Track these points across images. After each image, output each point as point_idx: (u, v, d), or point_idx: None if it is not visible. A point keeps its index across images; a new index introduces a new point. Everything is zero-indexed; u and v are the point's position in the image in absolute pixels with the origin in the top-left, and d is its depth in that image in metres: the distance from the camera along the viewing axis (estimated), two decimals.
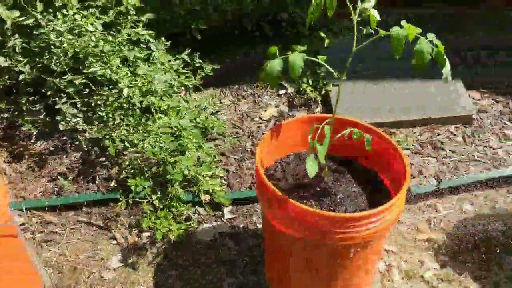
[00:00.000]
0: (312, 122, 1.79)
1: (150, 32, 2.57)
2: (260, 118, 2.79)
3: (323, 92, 2.86)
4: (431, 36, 1.31)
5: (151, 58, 2.60)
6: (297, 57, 1.45)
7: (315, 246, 1.58)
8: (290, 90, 2.92)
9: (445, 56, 1.31)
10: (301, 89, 2.86)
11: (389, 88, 2.86)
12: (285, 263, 1.76)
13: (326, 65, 1.59)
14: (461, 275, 2.03)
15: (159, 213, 2.21)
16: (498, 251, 2.11)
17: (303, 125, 1.84)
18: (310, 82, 2.84)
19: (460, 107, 2.70)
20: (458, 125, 2.68)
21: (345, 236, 1.49)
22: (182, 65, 2.67)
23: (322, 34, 2.67)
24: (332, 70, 1.62)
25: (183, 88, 2.70)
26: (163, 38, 2.64)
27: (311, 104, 2.86)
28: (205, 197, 2.22)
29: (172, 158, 2.21)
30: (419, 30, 1.33)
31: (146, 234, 2.22)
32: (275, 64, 1.48)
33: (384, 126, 2.68)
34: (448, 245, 2.15)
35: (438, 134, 2.63)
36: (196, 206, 2.29)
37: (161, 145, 2.22)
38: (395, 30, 1.32)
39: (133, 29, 2.49)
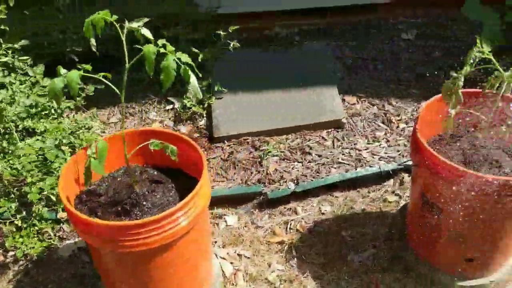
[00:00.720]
0: (134, 136, 1.89)
1: (25, 58, 2.68)
2: None
3: (206, 105, 2.96)
4: (181, 54, 1.39)
5: (28, 83, 2.70)
6: (73, 75, 1.52)
7: (117, 255, 1.66)
8: (177, 105, 3.01)
9: (190, 73, 1.40)
10: (185, 104, 2.96)
11: (268, 98, 2.96)
12: (108, 276, 1.83)
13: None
14: (303, 275, 2.11)
15: (22, 232, 2.29)
16: (345, 250, 2.20)
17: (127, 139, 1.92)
18: (191, 96, 2.94)
19: (331, 112, 2.80)
20: (330, 130, 2.78)
21: (136, 243, 1.57)
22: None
23: (195, 50, 2.78)
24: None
25: (68, 109, 2.81)
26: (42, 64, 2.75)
27: (196, 117, 2.96)
28: (61, 215, 2.30)
29: (31, 178, 2.29)
30: (171, 48, 1.42)
31: (11, 253, 2.30)
32: (57, 82, 1.54)
33: (261, 135, 2.77)
34: (299, 247, 2.23)
35: (309, 140, 2.73)
36: (61, 224, 2.37)
37: (21, 166, 2.31)
38: (146, 47, 1.41)
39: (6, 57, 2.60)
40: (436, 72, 3.09)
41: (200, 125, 2.92)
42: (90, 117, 2.98)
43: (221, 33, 2.75)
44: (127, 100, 3.12)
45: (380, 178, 2.49)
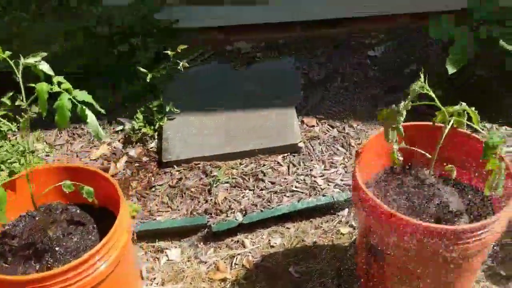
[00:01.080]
0: (48, 174, 1.73)
1: None
2: (89, 158, 2.72)
3: (157, 126, 2.80)
4: (78, 92, 1.24)
5: None
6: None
7: None
8: (128, 126, 2.86)
9: (87, 113, 1.25)
10: (135, 125, 2.80)
11: (224, 119, 2.81)
12: None
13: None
14: None
15: None
16: (289, 282, 2.05)
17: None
18: (141, 117, 2.78)
19: (288, 136, 2.65)
20: (286, 155, 2.63)
21: None
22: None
23: (142, 69, 2.63)
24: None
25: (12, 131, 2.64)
26: None
27: (147, 139, 2.80)
28: None
29: None
30: (67, 86, 1.27)
31: None
32: None
33: (214, 159, 2.62)
34: (242, 284, 2.08)
35: (263, 165, 2.58)
36: None
37: None
38: (38, 85, 1.26)
39: None
40: (401, 93, 2.95)
41: (151, 148, 2.76)
42: (37, 139, 2.82)
43: (169, 52, 2.60)
44: (76, 120, 2.95)
45: (333, 207, 2.34)
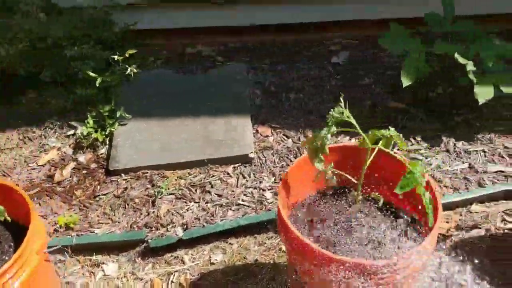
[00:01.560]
0: None
1: None
2: (36, 163, 2.65)
3: (108, 132, 2.73)
4: None
5: None
6: None
7: None
8: (80, 130, 2.78)
9: None
10: (85, 130, 2.73)
11: (176, 126, 2.73)
12: None
13: None
14: None
15: None
16: None
17: None
18: (92, 122, 2.71)
19: (240, 146, 2.58)
20: (238, 165, 2.56)
21: None
22: None
23: (90, 73, 2.55)
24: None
25: None
26: None
27: (98, 145, 2.73)
28: None
29: None
30: None
31: None
32: None
33: (162, 168, 2.55)
34: None
35: (213, 176, 2.51)
36: None
37: None
38: None
39: None
40: (362, 103, 2.88)
41: (101, 154, 2.69)
42: None
43: (117, 57, 2.52)
44: (29, 123, 2.89)
45: None
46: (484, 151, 2.55)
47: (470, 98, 2.49)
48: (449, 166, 2.49)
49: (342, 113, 1.45)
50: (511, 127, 2.68)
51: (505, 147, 2.57)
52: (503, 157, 2.52)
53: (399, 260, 1.42)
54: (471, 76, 2.40)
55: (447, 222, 2.28)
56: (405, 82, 2.46)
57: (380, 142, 1.58)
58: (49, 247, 1.74)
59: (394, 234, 1.61)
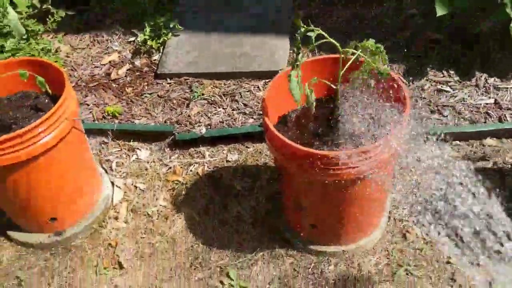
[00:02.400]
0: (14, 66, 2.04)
1: None
2: (99, 62, 3.05)
3: (162, 41, 3.03)
4: None
5: None
6: None
7: None
8: (140, 38, 3.11)
9: (9, 10, 1.49)
10: (144, 38, 3.05)
11: (222, 40, 2.96)
12: None
13: None
14: (179, 214, 2.23)
15: None
16: (230, 199, 2.26)
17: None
18: (149, 31, 3.01)
19: (273, 63, 2.76)
20: (268, 80, 2.75)
21: None
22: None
23: None
24: None
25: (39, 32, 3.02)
26: None
27: (153, 52, 3.05)
28: None
29: None
30: None
31: None
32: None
33: (202, 77, 2.82)
34: (190, 189, 2.34)
35: (244, 88, 2.73)
36: None
37: None
38: None
39: None
40: (402, 32, 2.88)
41: (154, 60, 3.01)
42: (58, 41, 3.18)
43: None
44: (99, 28, 3.28)
45: None
46: None
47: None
48: (474, 100, 2.48)
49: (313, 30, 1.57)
50: None
51: None
52: None
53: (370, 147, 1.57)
54: (508, 10, 2.33)
55: (456, 151, 2.34)
56: (440, 11, 2.44)
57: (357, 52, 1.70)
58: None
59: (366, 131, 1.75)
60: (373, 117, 1.85)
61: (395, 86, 1.75)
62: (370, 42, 1.66)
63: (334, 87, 1.76)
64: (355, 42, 1.68)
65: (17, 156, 1.80)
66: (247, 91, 2.72)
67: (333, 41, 1.62)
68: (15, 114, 1.99)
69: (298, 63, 1.66)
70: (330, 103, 1.88)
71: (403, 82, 1.77)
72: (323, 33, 1.60)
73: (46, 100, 2.10)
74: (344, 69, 1.69)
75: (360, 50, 1.68)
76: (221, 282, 1.99)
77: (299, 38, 1.61)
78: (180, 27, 3.02)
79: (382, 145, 1.62)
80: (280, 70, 2.71)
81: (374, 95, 1.77)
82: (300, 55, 1.66)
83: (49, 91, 1.97)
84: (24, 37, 2.95)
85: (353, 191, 1.73)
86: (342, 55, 1.70)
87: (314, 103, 1.72)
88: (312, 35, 1.63)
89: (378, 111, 1.80)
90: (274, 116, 1.89)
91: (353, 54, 1.69)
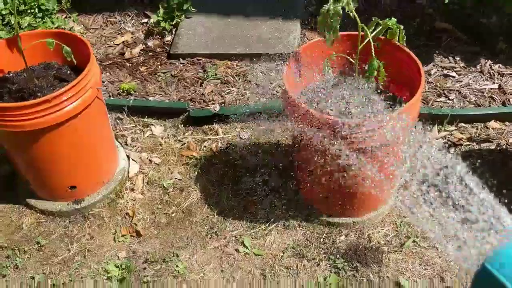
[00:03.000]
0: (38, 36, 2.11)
1: None
2: (113, 42, 3.11)
3: (175, 23, 3.09)
4: None
5: None
6: None
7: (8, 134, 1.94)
8: (153, 19, 3.17)
9: None
10: (158, 19, 3.11)
11: (234, 23, 3.04)
12: (12, 157, 2.14)
13: None
14: (194, 186, 2.31)
15: None
16: (242, 172, 2.34)
17: None
18: (162, 12, 3.08)
19: (284, 46, 2.84)
20: (280, 63, 2.82)
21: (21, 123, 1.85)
22: None
23: None
24: None
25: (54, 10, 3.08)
26: None
27: (166, 33, 3.11)
28: None
29: None
30: None
31: None
32: None
33: (214, 57, 2.89)
34: (204, 163, 2.41)
35: (256, 69, 2.81)
36: None
37: None
38: None
39: None
40: (411, 21, 2.97)
41: (166, 41, 3.08)
42: (73, 20, 3.24)
43: None
44: (112, 9, 3.33)
45: None
46: None
47: None
48: (478, 85, 2.57)
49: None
50: None
51: None
52: None
53: (369, 121, 1.65)
54: None
55: (461, 133, 2.43)
56: None
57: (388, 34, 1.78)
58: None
59: (380, 107, 1.83)
60: (388, 92, 1.93)
61: (410, 62, 1.84)
62: (392, 21, 1.74)
63: (353, 61, 1.84)
64: (376, 19, 1.77)
65: (44, 121, 1.87)
66: (260, 72, 2.79)
67: (355, 14, 1.70)
68: (40, 83, 2.05)
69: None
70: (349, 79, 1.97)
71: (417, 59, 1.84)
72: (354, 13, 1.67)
73: (69, 71, 2.17)
74: (363, 44, 1.77)
75: (381, 27, 1.77)
76: (237, 250, 2.07)
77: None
78: (193, 9, 3.09)
79: (396, 117, 1.70)
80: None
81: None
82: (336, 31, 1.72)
83: (74, 61, 2.04)
84: (39, 15, 3.02)
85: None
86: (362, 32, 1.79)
87: (332, 75, 1.81)
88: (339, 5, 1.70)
89: (392, 87, 1.89)
90: (295, 89, 1.98)
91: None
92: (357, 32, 1.87)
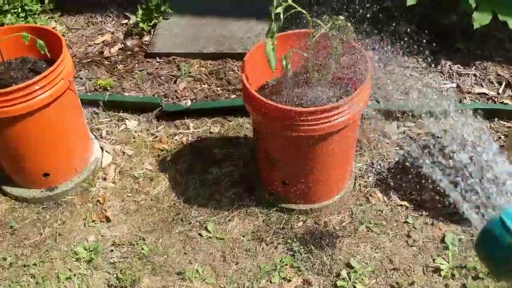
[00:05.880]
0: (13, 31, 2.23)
1: None
2: (93, 42, 3.23)
3: (153, 24, 3.22)
4: None
5: None
6: None
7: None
8: (132, 20, 3.30)
9: None
10: (137, 20, 3.24)
11: (207, 24, 3.18)
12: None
13: None
14: (163, 176, 2.42)
15: None
16: (210, 163, 2.46)
17: None
18: (141, 13, 3.21)
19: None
20: None
21: None
22: None
23: None
24: None
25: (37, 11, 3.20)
26: None
27: (144, 34, 3.24)
28: None
29: None
30: None
31: None
32: None
33: (189, 57, 3.02)
34: (174, 155, 2.53)
35: (228, 67, 2.93)
36: None
37: None
38: None
39: None
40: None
41: (144, 41, 3.20)
42: (55, 21, 3.36)
43: None
44: (93, 11, 3.46)
45: None
46: (475, 75, 2.74)
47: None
48: (438, 84, 2.71)
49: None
50: (510, 58, 2.82)
51: (498, 75, 2.73)
52: (492, 82, 2.70)
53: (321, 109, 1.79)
54: (471, 1, 2.57)
55: (419, 129, 2.56)
56: (410, 1, 2.67)
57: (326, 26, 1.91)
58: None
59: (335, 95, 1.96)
60: (341, 82, 2.07)
61: (359, 55, 1.98)
62: (341, 17, 1.88)
63: (306, 55, 1.97)
64: (327, 16, 1.90)
65: (17, 109, 1.98)
66: (231, 71, 2.92)
67: (302, 10, 1.83)
68: (15, 75, 2.17)
69: (273, 31, 1.87)
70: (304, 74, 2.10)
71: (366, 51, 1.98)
72: (294, 4, 1.80)
73: (44, 65, 2.28)
74: (315, 38, 1.90)
75: (331, 23, 1.90)
76: (200, 235, 2.18)
77: (272, 10, 1.81)
78: (170, 10, 3.22)
79: (348, 103, 1.83)
80: None
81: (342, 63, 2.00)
82: (273, 24, 1.86)
83: (48, 54, 2.15)
84: (22, 15, 3.14)
85: (321, 148, 1.94)
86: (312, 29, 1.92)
87: (290, 70, 1.93)
88: (280, 9, 1.83)
89: (345, 78, 2.02)
90: (253, 86, 2.10)
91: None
92: (305, 30, 2.01)
